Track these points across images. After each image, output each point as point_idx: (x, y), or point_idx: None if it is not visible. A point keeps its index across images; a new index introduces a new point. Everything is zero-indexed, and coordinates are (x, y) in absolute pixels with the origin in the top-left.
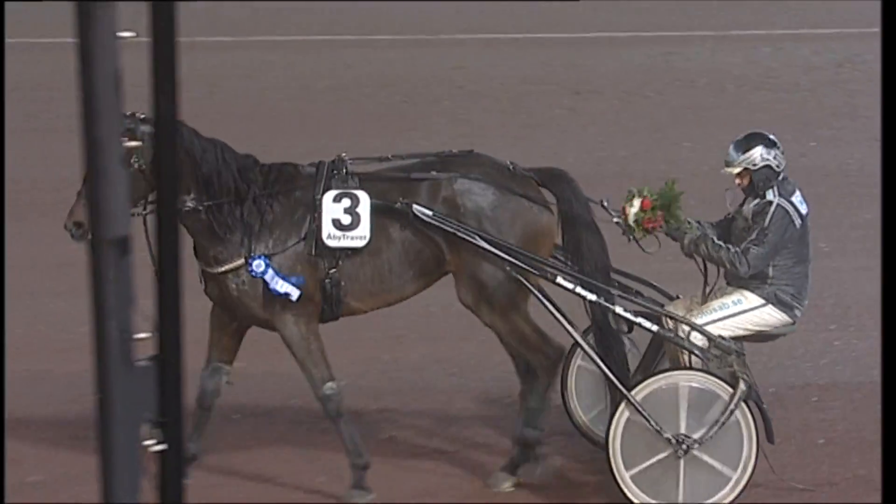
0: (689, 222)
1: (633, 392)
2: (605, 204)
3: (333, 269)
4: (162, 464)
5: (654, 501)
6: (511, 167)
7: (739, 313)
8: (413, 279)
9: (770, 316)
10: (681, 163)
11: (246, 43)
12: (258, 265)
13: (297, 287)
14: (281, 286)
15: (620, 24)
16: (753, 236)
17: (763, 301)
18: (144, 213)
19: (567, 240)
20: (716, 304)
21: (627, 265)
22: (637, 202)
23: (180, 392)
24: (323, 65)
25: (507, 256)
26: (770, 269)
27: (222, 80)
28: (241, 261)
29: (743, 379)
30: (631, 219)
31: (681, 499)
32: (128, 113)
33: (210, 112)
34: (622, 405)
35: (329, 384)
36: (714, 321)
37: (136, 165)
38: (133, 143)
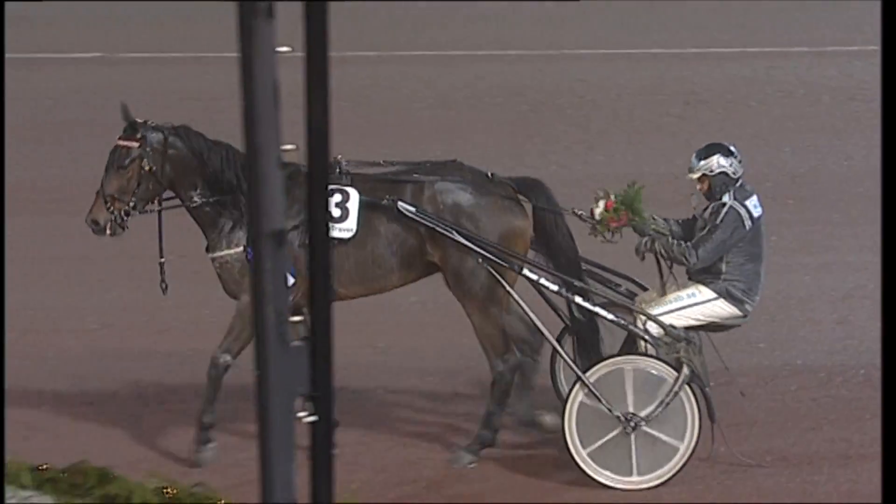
0: (654, 219)
1: (586, 374)
2: (577, 211)
3: None
4: (313, 434)
5: (610, 475)
6: (490, 175)
7: (692, 305)
8: (396, 270)
9: (721, 309)
10: (780, 166)
11: (390, 58)
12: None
13: (292, 276)
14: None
15: (727, 41)
16: (704, 233)
17: (715, 295)
18: (159, 209)
19: (540, 240)
20: (672, 296)
21: (609, 261)
22: (602, 203)
23: (330, 370)
24: (459, 77)
25: (479, 249)
26: (723, 266)
27: (368, 92)
28: (239, 249)
29: (687, 364)
30: (597, 217)
31: (634, 471)
32: (140, 121)
33: (358, 121)
34: (576, 387)
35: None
36: (669, 311)
37: (146, 168)
38: (134, 145)
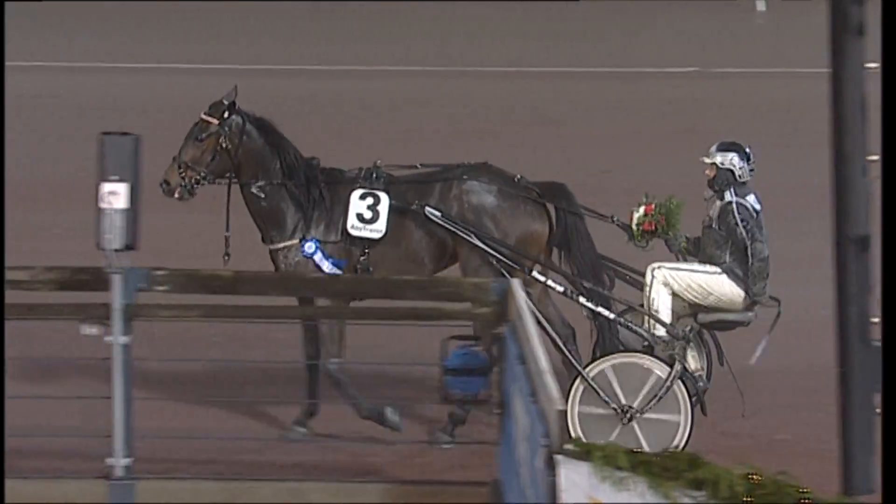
0: (687, 238)
1: (586, 370)
2: (615, 218)
3: (363, 257)
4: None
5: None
6: (517, 178)
7: (697, 271)
8: (427, 265)
9: (724, 285)
10: None
11: None
12: (309, 247)
13: (339, 268)
14: (327, 266)
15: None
16: (746, 239)
17: (719, 270)
18: (228, 183)
19: (561, 243)
20: (684, 263)
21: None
22: (642, 208)
23: None
24: None
25: (493, 252)
26: (727, 256)
27: None
28: (295, 241)
29: (679, 361)
30: (634, 221)
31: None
32: (226, 102)
33: None
34: (577, 380)
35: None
36: (676, 269)
37: (223, 145)
38: (214, 121)
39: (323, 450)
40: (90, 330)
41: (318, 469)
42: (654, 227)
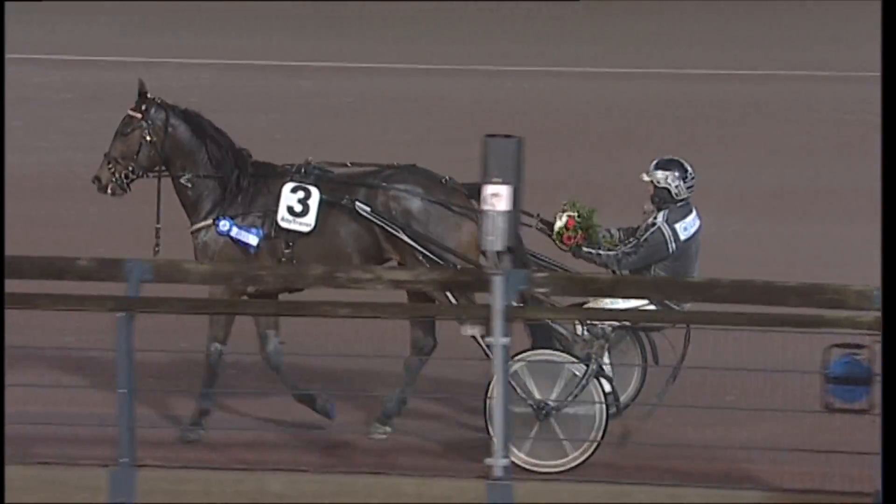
0: (609, 232)
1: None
2: (539, 222)
3: (288, 249)
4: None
5: (530, 459)
6: (444, 180)
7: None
8: (353, 260)
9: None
10: None
11: None
12: (224, 224)
13: (256, 237)
14: (242, 235)
15: None
16: (630, 247)
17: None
18: (157, 176)
19: None
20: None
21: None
22: (564, 218)
23: None
24: None
25: (421, 248)
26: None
27: None
28: (208, 221)
29: (594, 360)
30: (556, 229)
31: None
32: (150, 97)
33: None
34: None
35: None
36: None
37: (147, 138)
38: (137, 115)
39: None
40: (471, 331)
41: (693, 475)
42: (572, 242)
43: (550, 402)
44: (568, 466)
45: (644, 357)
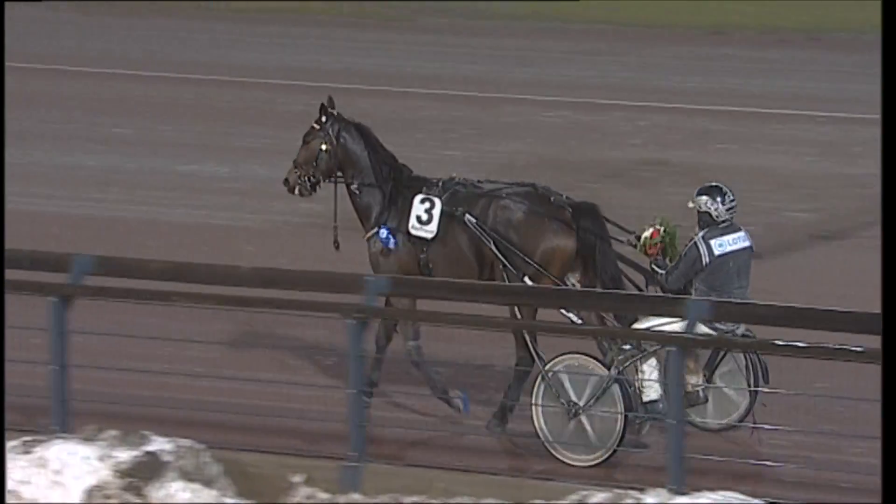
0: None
1: (546, 368)
2: (630, 237)
3: (422, 254)
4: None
5: (573, 455)
6: (552, 198)
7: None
8: (474, 266)
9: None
10: None
11: None
12: (382, 233)
13: (393, 239)
14: (391, 242)
15: None
16: (673, 264)
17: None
18: (334, 182)
19: (584, 258)
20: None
21: None
22: (650, 230)
23: None
24: None
25: (504, 260)
26: (692, 292)
27: None
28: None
29: (615, 367)
30: (641, 241)
31: (594, 441)
32: (331, 110)
33: None
34: (538, 378)
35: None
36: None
37: (323, 148)
38: (316, 127)
39: None
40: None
41: None
42: (656, 253)
43: (579, 403)
44: (595, 462)
45: (753, 379)
